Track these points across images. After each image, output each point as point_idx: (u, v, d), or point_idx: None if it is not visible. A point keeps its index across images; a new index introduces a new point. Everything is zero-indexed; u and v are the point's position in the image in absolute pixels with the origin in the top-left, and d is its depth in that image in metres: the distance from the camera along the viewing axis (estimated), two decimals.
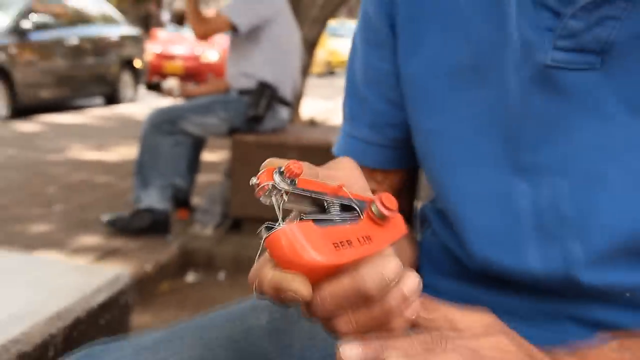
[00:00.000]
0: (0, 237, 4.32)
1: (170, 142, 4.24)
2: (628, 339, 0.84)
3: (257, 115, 4.38)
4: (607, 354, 0.82)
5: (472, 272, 1.05)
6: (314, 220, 0.65)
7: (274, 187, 0.63)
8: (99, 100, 11.95)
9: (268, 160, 0.67)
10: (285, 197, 0.64)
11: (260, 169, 0.66)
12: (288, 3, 4.79)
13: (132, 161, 4.61)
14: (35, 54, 10.06)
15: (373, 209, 0.70)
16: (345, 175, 0.76)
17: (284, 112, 4.63)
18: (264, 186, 0.63)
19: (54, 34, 10.49)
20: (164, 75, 14.42)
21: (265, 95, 4.39)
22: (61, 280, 1.85)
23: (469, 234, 1.03)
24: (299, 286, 0.63)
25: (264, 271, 0.66)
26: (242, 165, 4.38)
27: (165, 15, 12.06)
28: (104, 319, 1.83)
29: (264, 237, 0.63)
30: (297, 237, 0.62)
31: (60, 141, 7.86)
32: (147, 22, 24.92)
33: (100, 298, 1.80)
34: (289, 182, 0.64)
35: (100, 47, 11.51)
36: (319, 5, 7.12)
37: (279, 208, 0.64)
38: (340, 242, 0.65)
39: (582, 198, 0.93)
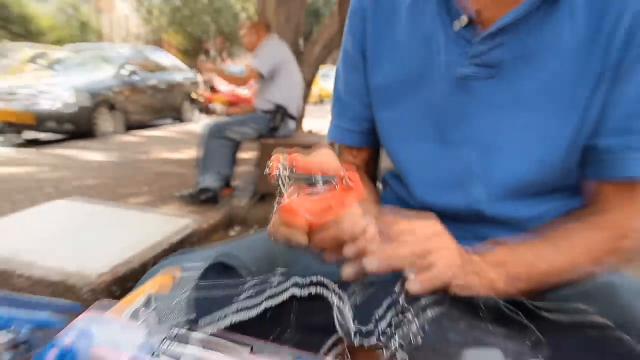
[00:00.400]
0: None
1: (219, 144, 4.57)
2: (513, 244, 0.91)
3: (275, 126, 4.75)
4: (501, 251, 0.88)
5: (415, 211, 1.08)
6: (309, 193, 0.72)
7: (278, 175, 0.73)
8: (170, 120, 12.30)
9: (275, 151, 0.76)
10: (287, 180, 0.72)
11: (271, 160, 0.76)
12: (292, 53, 5.07)
13: (194, 158, 4.86)
14: (129, 92, 10.41)
15: (344, 182, 0.75)
16: (324, 160, 0.82)
17: (291, 124, 4.94)
18: (272, 173, 0.74)
19: (142, 78, 10.94)
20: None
21: (279, 113, 4.76)
22: (154, 225, 2.05)
23: (413, 186, 1.09)
24: (299, 237, 0.72)
25: (277, 228, 0.75)
26: (266, 159, 4.83)
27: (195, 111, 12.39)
28: (181, 246, 1.96)
29: (276, 208, 0.72)
30: (296, 207, 0.70)
31: (147, 147, 8.14)
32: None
33: (177, 238, 1.99)
34: (289, 169, 0.73)
35: (170, 86, 11.92)
36: (314, 56, 7.29)
37: (283, 186, 0.73)
38: (325, 208, 0.72)
39: (484, 160, 1.00)
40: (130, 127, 10.58)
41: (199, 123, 11.05)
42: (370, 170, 1.23)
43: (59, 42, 31.56)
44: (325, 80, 21.56)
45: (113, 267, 1.60)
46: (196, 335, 0.63)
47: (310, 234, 0.73)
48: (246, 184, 4.88)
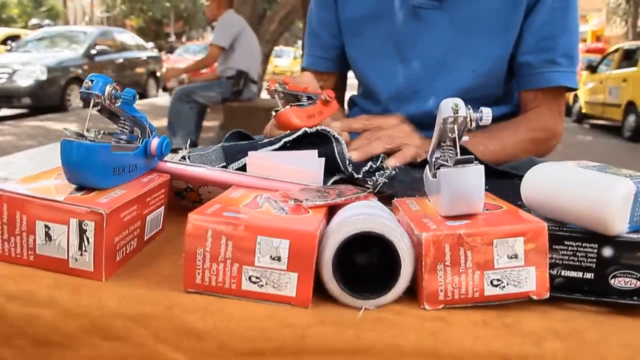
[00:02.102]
0: None
1: (188, 107, 4.52)
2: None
3: (238, 90, 4.67)
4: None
5: None
6: (297, 105, 0.82)
7: (275, 89, 0.82)
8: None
9: (271, 77, 1.07)
10: (281, 95, 0.82)
11: (269, 80, 0.90)
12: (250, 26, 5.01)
13: (162, 127, 4.78)
14: (97, 69, 9.89)
15: (322, 97, 0.88)
16: (307, 82, 0.92)
17: (253, 88, 4.88)
18: (271, 89, 0.82)
19: (108, 57, 10.70)
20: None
21: (242, 78, 4.69)
22: None
23: (379, 98, 1.19)
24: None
25: (272, 131, 0.86)
26: (231, 122, 4.59)
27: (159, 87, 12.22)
28: None
29: (274, 115, 0.81)
30: (289, 114, 0.79)
31: None
32: (161, 50, 24.75)
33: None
34: (283, 87, 0.82)
35: (135, 63, 11.69)
36: (270, 33, 7.24)
37: (279, 100, 0.82)
38: (309, 116, 0.82)
39: (431, 73, 1.12)
40: None
41: (161, 99, 10.85)
42: (339, 93, 1.30)
43: (27, 27, 30.65)
44: (280, 58, 21.48)
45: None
46: None
47: None
48: (212, 145, 4.78)
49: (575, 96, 10.91)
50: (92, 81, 0.55)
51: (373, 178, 0.78)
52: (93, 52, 10.26)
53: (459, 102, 0.53)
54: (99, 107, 0.58)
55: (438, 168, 0.55)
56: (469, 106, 0.54)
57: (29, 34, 12.37)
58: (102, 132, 0.57)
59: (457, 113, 0.53)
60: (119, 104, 0.57)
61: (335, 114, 1.00)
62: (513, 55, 1.10)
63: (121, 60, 11.18)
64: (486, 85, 1.12)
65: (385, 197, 0.70)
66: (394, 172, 0.81)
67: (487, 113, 0.57)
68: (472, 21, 1.07)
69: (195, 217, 0.48)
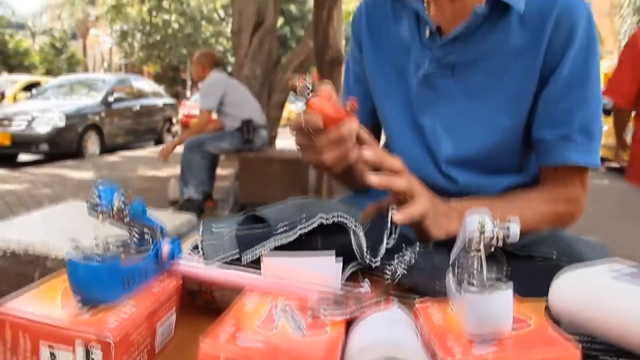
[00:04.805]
0: None
1: (199, 157, 4.54)
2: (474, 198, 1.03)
3: (249, 139, 4.72)
4: (465, 201, 0.98)
5: None
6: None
7: (306, 86, 0.80)
8: (151, 142, 12.18)
9: (290, 81, 0.86)
10: (311, 90, 0.80)
11: (297, 77, 0.83)
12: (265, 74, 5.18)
13: (176, 174, 4.86)
14: (115, 116, 10.36)
15: (348, 106, 0.83)
16: (330, 91, 0.85)
17: (263, 132, 4.90)
18: (302, 85, 0.80)
19: (126, 104, 10.87)
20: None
21: (248, 126, 4.73)
22: (162, 219, 2.19)
23: (397, 155, 1.13)
24: (318, 119, 0.79)
25: (302, 115, 0.82)
26: (245, 172, 4.65)
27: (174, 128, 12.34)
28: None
29: (306, 101, 0.80)
30: (319, 102, 0.79)
31: (132, 166, 8.10)
32: (178, 96, 25.22)
33: (184, 229, 1.94)
34: (312, 85, 0.80)
35: (151, 111, 11.84)
36: (284, 81, 7.28)
37: (309, 94, 0.80)
38: (336, 110, 0.81)
39: (442, 140, 1.12)
40: (115, 148, 10.49)
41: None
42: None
43: (49, 72, 31.45)
44: (293, 103, 21.68)
45: None
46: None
47: (324, 122, 0.81)
48: (226, 196, 4.85)
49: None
50: (99, 197, 0.52)
51: (391, 267, 0.76)
52: (110, 99, 10.46)
53: (486, 219, 0.51)
54: (108, 222, 0.55)
55: (461, 282, 0.52)
56: (496, 223, 0.51)
57: (49, 81, 12.61)
58: (109, 243, 0.56)
59: (483, 232, 0.50)
60: (128, 218, 0.56)
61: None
62: (529, 128, 1.07)
63: (138, 108, 11.36)
64: (498, 155, 1.10)
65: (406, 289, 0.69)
66: (413, 261, 0.79)
67: (514, 230, 0.54)
68: (482, 90, 1.06)
69: (208, 345, 0.45)
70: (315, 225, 0.76)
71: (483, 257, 0.51)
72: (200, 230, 0.87)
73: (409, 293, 0.77)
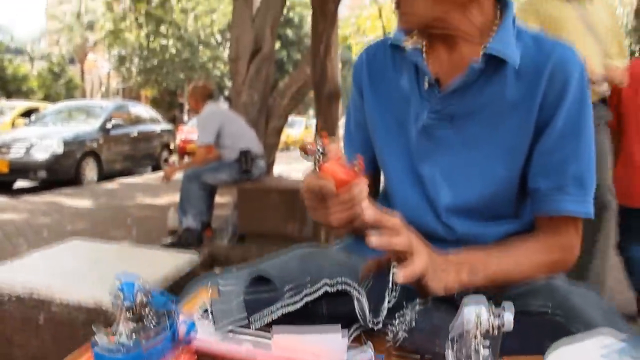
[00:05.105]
0: None
1: (197, 187, 4.57)
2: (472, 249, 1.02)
3: (247, 169, 4.75)
4: (463, 253, 0.99)
5: None
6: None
7: (317, 150, 0.85)
8: (148, 169, 12.19)
9: (305, 142, 0.89)
10: (322, 154, 0.85)
11: (307, 142, 0.88)
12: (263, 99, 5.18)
13: (172, 203, 4.97)
14: (112, 143, 10.36)
15: (355, 166, 0.88)
16: (337, 150, 0.89)
17: (261, 162, 4.93)
18: (311, 150, 0.86)
19: (123, 130, 10.88)
20: (187, 153, 14.59)
21: (246, 157, 4.76)
22: (162, 259, 2.00)
23: (396, 206, 1.20)
24: (331, 185, 0.84)
25: (313, 178, 0.88)
26: (244, 203, 4.66)
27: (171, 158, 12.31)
28: (189, 279, 1.93)
29: (315, 169, 0.85)
30: (332, 167, 0.84)
31: (130, 193, 8.09)
32: (175, 120, 25.32)
33: (186, 269, 1.98)
34: (323, 148, 0.85)
35: (149, 137, 11.86)
36: (282, 107, 7.18)
37: (321, 157, 0.85)
38: (347, 173, 0.85)
39: (440, 189, 1.14)
40: (113, 174, 10.51)
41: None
42: (372, 191, 1.32)
43: (47, 97, 31.57)
44: (291, 128, 21.81)
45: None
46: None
47: (336, 187, 0.85)
48: (225, 225, 4.84)
49: None
50: (122, 292, 0.54)
51: (393, 329, 0.78)
52: (108, 125, 10.51)
53: (482, 311, 0.54)
54: (130, 315, 0.57)
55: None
56: (492, 311, 0.54)
57: (48, 108, 12.66)
58: (132, 331, 0.57)
59: (480, 324, 0.53)
60: (149, 308, 0.57)
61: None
62: (525, 177, 1.11)
63: (135, 134, 11.40)
64: (495, 203, 1.12)
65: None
66: (414, 322, 0.82)
67: (508, 320, 0.56)
68: (480, 141, 1.09)
69: None
70: (320, 292, 0.78)
71: (480, 342, 0.54)
72: (209, 289, 0.90)
73: (411, 353, 0.80)
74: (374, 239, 0.86)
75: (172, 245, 4.53)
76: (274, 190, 4.59)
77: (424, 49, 1.14)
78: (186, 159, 13.75)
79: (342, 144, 1.37)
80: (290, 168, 12.05)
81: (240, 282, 0.93)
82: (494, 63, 1.04)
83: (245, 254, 4.44)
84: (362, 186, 0.87)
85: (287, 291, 0.81)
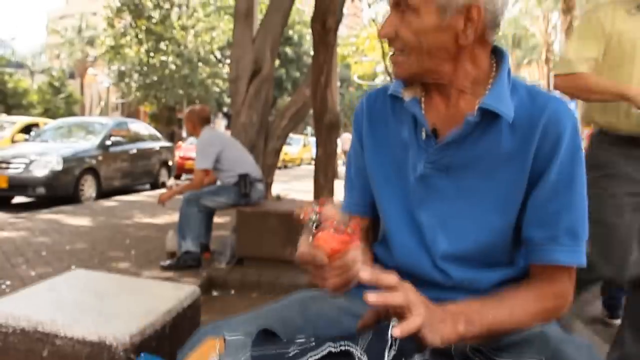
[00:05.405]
0: (99, 271, 4.55)
1: (196, 211, 4.58)
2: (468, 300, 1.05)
3: (246, 193, 4.75)
4: (460, 304, 1.01)
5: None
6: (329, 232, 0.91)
7: (310, 219, 0.91)
8: (147, 186, 12.21)
9: (300, 208, 0.95)
10: (316, 223, 0.91)
11: (302, 209, 0.95)
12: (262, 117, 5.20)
13: (170, 223, 4.95)
14: (111, 160, 10.38)
15: (349, 230, 0.94)
16: (333, 213, 0.96)
17: (260, 186, 4.92)
18: (305, 218, 0.93)
19: (123, 147, 10.89)
20: (186, 170, 14.66)
21: (245, 181, 4.76)
22: (164, 292, 1.98)
23: (393, 250, 1.24)
24: (322, 256, 0.89)
25: (306, 248, 0.93)
26: (243, 226, 4.66)
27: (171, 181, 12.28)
28: (190, 313, 1.95)
29: (310, 239, 0.91)
30: (324, 239, 0.89)
31: (129, 212, 8.04)
32: (173, 136, 25.39)
33: (187, 302, 1.94)
34: (317, 215, 0.92)
35: (148, 154, 11.88)
36: (281, 128, 7.41)
37: (314, 227, 0.92)
38: (341, 242, 0.91)
39: (436, 236, 1.17)
40: (111, 191, 10.52)
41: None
42: (370, 236, 1.38)
43: (46, 112, 31.71)
44: (289, 145, 21.96)
45: (141, 329, 1.63)
46: None
47: (330, 258, 0.90)
48: (224, 248, 4.83)
49: None
50: None
51: None
52: (108, 142, 10.53)
53: None
54: None
55: None
56: None
57: (48, 124, 12.69)
58: None
59: None
60: None
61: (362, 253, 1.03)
62: (519, 226, 1.14)
63: (134, 151, 11.44)
64: (490, 251, 1.15)
65: None
66: None
67: None
68: (475, 191, 1.12)
69: None
70: (324, 352, 0.81)
71: None
72: (216, 342, 0.93)
73: None
74: (372, 297, 0.89)
75: (171, 267, 4.56)
76: (272, 214, 4.61)
77: (422, 100, 1.19)
78: (184, 177, 13.77)
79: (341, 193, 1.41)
80: (289, 187, 12.11)
81: (246, 334, 0.96)
82: (489, 116, 1.09)
83: (244, 277, 4.48)
84: (354, 252, 0.91)
85: (292, 350, 0.84)
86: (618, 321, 3.90)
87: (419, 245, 1.19)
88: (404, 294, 0.92)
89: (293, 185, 13.18)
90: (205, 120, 4.95)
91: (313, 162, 5.98)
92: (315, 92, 4.87)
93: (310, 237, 0.90)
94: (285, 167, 22.88)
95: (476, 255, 1.15)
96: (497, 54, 1.15)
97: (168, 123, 34.04)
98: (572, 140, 1.08)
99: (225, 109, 35.23)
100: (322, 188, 4.92)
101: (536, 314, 1.09)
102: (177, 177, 13.11)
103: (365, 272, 0.91)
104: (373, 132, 1.27)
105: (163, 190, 11.05)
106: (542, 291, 1.10)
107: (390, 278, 0.93)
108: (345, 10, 5.36)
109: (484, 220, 1.12)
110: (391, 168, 1.23)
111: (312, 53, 5.23)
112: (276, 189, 8.47)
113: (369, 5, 21.59)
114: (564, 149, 1.07)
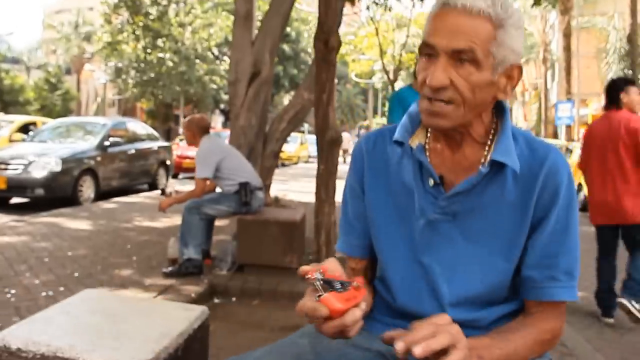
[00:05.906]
0: (102, 278, 4.57)
1: (198, 218, 4.63)
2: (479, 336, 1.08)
3: (246, 201, 4.79)
4: (472, 340, 1.02)
5: (396, 311, 1.28)
6: (334, 291, 0.96)
7: (315, 278, 0.97)
8: (145, 186, 12.21)
9: (303, 268, 1.00)
10: (321, 282, 0.96)
11: (307, 269, 0.99)
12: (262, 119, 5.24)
13: (173, 227, 4.96)
14: (110, 160, 10.41)
15: (355, 285, 1.00)
16: (335, 268, 1.05)
17: (260, 194, 4.97)
18: (311, 279, 0.98)
19: (121, 148, 10.89)
20: (183, 169, 14.85)
21: (246, 189, 4.81)
22: (174, 313, 1.99)
23: (395, 293, 1.27)
24: (324, 311, 0.94)
25: (308, 301, 0.97)
26: (244, 234, 4.73)
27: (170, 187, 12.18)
28: (200, 334, 1.96)
29: (317, 299, 0.95)
30: (330, 299, 0.94)
31: (128, 215, 8.06)
32: (170, 133, 25.37)
33: (198, 323, 1.96)
34: (322, 275, 0.97)
35: (146, 154, 11.89)
36: (280, 131, 7.46)
37: (319, 286, 0.96)
38: (347, 299, 0.96)
39: (442, 279, 1.20)
40: (110, 191, 10.54)
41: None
42: (368, 276, 1.40)
43: (43, 108, 31.67)
44: (287, 143, 22.05)
45: (157, 353, 1.66)
46: None
47: (333, 316, 0.95)
48: (225, 254, 4.89)
49: (580, 185, 11.01)
50: None
51: None
52: (106, 143, 10.53)
53: None
54: None
55: None
56: None
57: (46, 124, 12.70)
58: None
59: None
60: None
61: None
62: (518, 267, 1.20)
63: (133, 151, 11.46)
64: (492, 292, 1.21)
65: None
66: None
67: None
68: (481, 235, 1.18)
69: None
70: None
71: None
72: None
73: None
74: (418, 351, 0.89)
75: (173, 274, 4.62)
76: (272, 222, 4.68)
77: (426, 146, 1.24)
78: (181, 176, 13.77)
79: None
80: (287, 187, 12.16)
81: None
82: (497, 166, 1.15)
83: (245, 284, 4.54)
84: (355, 314, 0.96)
85: None
86: (612, 320, 4.24)
87: (422, 287, 1.23)
88: (449, 333, 0.94)
89: (291, 185, 13.23)
90: (205, 130, 4.98)
91: (310, 160, 6.06)
92: (318, 110, 4.94)
93: (316, 297, 0.95)
94: (283, 165, 22.95)
95: (479, 296, 1.20)
96: (497, 105, 1.21)
97: (165, 120, 34.05)
98: (569, 190, 1.17)
99: (222, 106, 35.25)
100: (323, 202, 4.98)
101: (535, 348, 1.15)
102: (175, 176, 13.11)
103: (419, 349, 0.89)
104: (374, 176, 1.30)
105: (161, 191, 11.14)
106: (541, 327, 1.17)
107: (442, 338, 0.93)
108: (344, 10, 5.41)
109: (490, 263, 1.18)
110: (395, 212, 1.26)
111: (309, 50, 5.28)
112: (274, 189, 8.52)
113: (368, 8, 21.59)
114: (561, 199, 1.16)
